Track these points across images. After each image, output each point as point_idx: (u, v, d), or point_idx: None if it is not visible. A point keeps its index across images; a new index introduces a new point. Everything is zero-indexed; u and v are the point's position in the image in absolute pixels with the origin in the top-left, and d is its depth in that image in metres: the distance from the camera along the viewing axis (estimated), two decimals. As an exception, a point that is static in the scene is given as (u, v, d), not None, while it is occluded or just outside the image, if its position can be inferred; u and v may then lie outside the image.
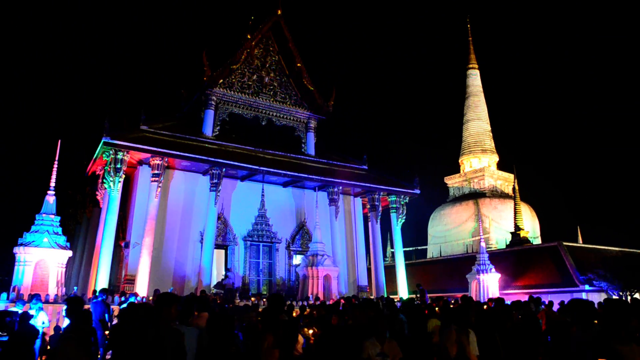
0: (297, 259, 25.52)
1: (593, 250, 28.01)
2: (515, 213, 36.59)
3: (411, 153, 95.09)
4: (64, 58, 78.07)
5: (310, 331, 10.32)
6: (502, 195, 48.18)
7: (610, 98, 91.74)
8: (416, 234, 50.22)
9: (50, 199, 16.26)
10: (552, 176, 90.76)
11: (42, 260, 15.52)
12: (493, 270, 25.70)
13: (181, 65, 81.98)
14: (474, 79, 53.89)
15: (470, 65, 54.50)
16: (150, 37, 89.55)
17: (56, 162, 16.54)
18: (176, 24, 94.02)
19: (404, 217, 27.71)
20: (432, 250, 48.70)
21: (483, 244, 27.17)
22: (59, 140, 16.92)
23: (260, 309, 11.95)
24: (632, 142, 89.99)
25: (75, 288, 16.76)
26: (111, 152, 20.06)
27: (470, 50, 54.93)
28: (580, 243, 35.01)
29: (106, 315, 11.38)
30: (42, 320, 11.04)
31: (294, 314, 13.22)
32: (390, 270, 28.24)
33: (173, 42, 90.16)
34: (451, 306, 14.39)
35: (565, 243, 27.71)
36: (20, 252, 15.21)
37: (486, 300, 21.57)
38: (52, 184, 16.36)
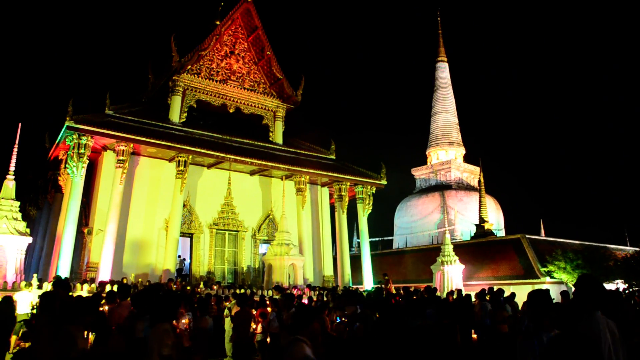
0: (263, 248, 25.45)
1: (555, 243, 28.59)
2: (480, 205, 37.10)
3: (379, 144, 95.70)
4: (26, 38, 75.91)
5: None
6: (468, 188, 48.83)
7: (575, 94, 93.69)
8: (382, 224, 50.61)
9: (10, 183, 15.87)
10: (517, 170, 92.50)
11: (1, 246, 15.13)
12: (457, 261, 26.03)
13: (149, 49, 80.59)
14: (443, 71, 54.34)
15: (440, 58, 54.92)
16: (118, 19, 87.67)
17: (16, 146, 16.13)
18: (145, 7, 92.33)
19: (371, 208, 27.84)
20: (398, 241, 49.14)
21: (448, 236, 27.48)
22: (19, 124, 16.48)
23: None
24: (596, 137, 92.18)
25: (35, 275, 16.35)
26: (74, 136, 19.60)
27: (440, 43, 55.33)
28: (542, 236, 35.77)
29: None
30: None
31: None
32: (356, 261, 28.38)
33: (141, 26, 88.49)
34: (414, 297, 14.57)
35: (528, 236, 28.23)
36: (-22, 238, 14.81)
37: (450, 290, 21.88)
38: (12, 169, 15.95)
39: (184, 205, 23.10)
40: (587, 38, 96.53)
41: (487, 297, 13.21)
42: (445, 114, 52.54)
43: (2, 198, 15.60)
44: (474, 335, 11.91)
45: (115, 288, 16.23)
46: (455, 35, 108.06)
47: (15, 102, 67.90)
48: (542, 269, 25.56)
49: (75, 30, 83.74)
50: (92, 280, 17.89)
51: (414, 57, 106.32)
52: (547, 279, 25.03)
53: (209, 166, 24.66)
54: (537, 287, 24.36)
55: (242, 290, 19.07)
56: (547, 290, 5.33)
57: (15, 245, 15.31)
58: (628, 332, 6.43)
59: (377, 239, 45.53)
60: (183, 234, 23.24)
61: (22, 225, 15.65)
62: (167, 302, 5.48)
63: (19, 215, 15.84)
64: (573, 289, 19.93)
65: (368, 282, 26.29)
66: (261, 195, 26.53)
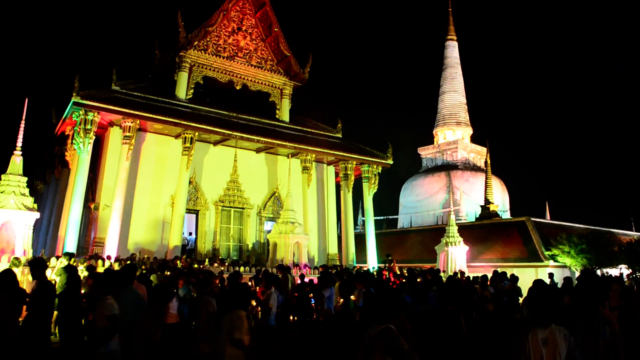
0: (268, 226, 25.56)
1: (560, 227, 28.59)
2: (486, 187, 37.04)
3: (386, 123, 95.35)
4: (33, 13, 75.51)
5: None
6: (474, 168, 48.74)
7: (584, 76, 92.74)
8: (388, 203, 50.66)
9: (17, 159, 15.90)
10: (524, 152, 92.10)
11: (8, 221, 15.23)
12: (462, 242, 26.10)
13: (155, 25, 79.89)
14: (452, 50, 53.85)
15: (449, 37, 54.38)
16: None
17: (23, 122, 16.13)
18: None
19: (376, 187, 27.83)
20: (403, 220, 49.25)
21: (453, 216, 27.53)
22: (26, 99, 16.47)
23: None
24: (604, 121, 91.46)
25: (42, 250, 16.52)
26: (81, 112, 19.58)
27: (450, 21, 54.74)
28: (547, 219, 35.75)
29: None
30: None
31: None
32: (361, 239, 28.45)
33: (148, 1, 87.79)
34: (418, 280, 14.64)
35: (533, 219, 28.23)
36: (-15, 213, 14.92)
37: (454, 272, 22.00)
38: (19, 144, 15.99)
39: (190, 182, 23.17)
40: (595, 20, 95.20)
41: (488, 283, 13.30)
42: (454, 93, 52.19)
43: (10, 174, 15.66)
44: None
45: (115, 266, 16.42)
46: (466, 13, 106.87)
47: (22, 77, 67.79)
48: (547, 253, 25.60)
49: (82, 6, 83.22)
50: (98, 256, 18.01)
51: (423, 35, 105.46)
52: (551, 262, 25.09)
53: (215, 143, 24.66)
54: (541, 270, 24.56)
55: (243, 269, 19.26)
56: (552, 285, 5.34)
57: (23, 220, 15.41)
58: (633, 323, 6.42)
59: (382, 218, 45.66)
60: (189, 211, 23.35)
61: (29, 201, 15.72)
62: (243, 291, 5.89)
63: (27, 191, 15.91)
64: (577, 273, 20.11)
65: (372, 261, 26.41)
66: (267, 172, 26.56)
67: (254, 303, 11.02)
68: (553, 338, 4.00)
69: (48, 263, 14.24)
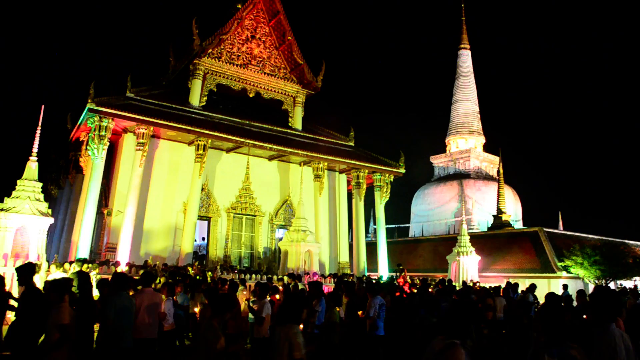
0: (280, 233, 25.58)
1: (573, 238, 28.39)
2: (498, 196, 36.89)
3: (398, 131, 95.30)
4: (50, 22, 76.39)
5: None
6: (487, 177, 48.54)
7: (598, 85, 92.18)
8: (399, 211, 50.55)
9: (33, 164, 16.03)
10: (537, 161, 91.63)
11: (23, 226, 15.36)
12: (473, 252, 25.96)
13: (170, 33, 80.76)
14: (465, 59, 53.79)
15: (462, 45, 54.34)
16: (141, 3, 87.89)
17: (39, 128, 16.28)
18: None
19: (388, 196, 27.77)
20: (415, 229, 49.11)
21: (465, 226, 27.40)
22: (42, 106, 16.63)
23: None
24: (618, 131, 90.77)
25: (56, 256, 16.65)
26: (96, 118, 19.77)
27: (463, 30, 54.73)
28: (560, 229, 35.50)
29: None
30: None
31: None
32: (372, 248, 28.41)
33: (163, 9, 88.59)
34: (430, 289, 14.58)
35: (545, 229, 28.05)
36: (0, 218, 15.04)
37: (464, 281, 21.88)
38: (35, 150, 16.12)
39: (203, 189, 23.28)
40: (612, 27, 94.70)
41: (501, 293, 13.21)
42: (466, 102, 52.09)
43: (25, 179, 15.79)
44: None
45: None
46: (479, 22, 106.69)
47: (39, 84, 68.58)
48: (559, 264, 25.41)
49: (98, 14, 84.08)
50: (107, 262, 18.12)
51: (436, 44, 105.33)
52: (564, 273, 24.90)
53: (228, 150, 24.77)
54: (553, 281, 24.38)
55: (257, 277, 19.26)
56: (565, 297, 5.31)
57: (37, 225, 15.51)
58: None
59: (393, 226, 45.59)
60: (201, 217, 23.45)
61: (44, 206, 15.84)
62: (296, 303, 5.47)
63: (41, 196, 16.03)
64: (590, 284, 19.93)
65: (383, 270, 26.35)
66: (279, 180, 26.61)
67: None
68: (568, 357, 3.95)
69: (62, 269, 14.39)
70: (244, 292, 13.40)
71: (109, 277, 9.19)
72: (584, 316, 7.62)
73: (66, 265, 15.17)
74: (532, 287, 15.52)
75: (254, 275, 19.62)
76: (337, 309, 9.50)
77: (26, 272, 7.62)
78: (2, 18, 68.38)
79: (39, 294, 7.49)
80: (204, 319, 8.98)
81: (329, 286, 17.58)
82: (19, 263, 14.40)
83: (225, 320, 6.02)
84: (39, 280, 12.14)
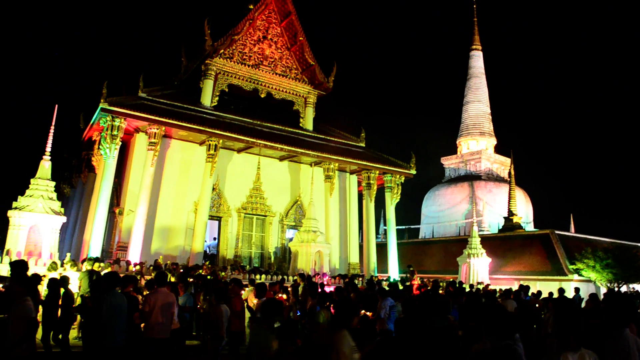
0: (290, 233, 25.62)
1: (584, 240, 28.20)
2: (509, 198, 36.72)
3: (409, 132, 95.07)
4: (63, 22, 76.92)
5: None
6: (498, 179, 48.31)
7: (610, 87, 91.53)
8: (410, 212, 50.42)
9: (46, 163, 16.21)
10: (549, 163, 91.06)
11: (36, 225, 15.52)
12: (484, 254, 25.89)
13: (182, 33, 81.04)
14: (477, 60, 53.57)
15: (474, 46, 54.12)
16: (153, 3, 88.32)
17: (52, 127, 16.45)
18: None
19: (399, 197, 27.72)
20: (425, 230, 48.98)
21: (475, 228, 27.32)
22: (56, 106, 16.80)
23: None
24: (632, 133, 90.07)
25: (68, 254, 16.75)
26: (108, 118, 19.90)
27: (475, 31, 54.47)
28: (572, 232, 35.28)
29: None
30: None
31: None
32: (382, 249, 28.38)
33: (175, 9, 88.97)
34: (440, 291, 14.55)
35: (557, 232, 27.88)
36: (14, 216, 15.21)
37: (471, 284, 21.82)
38: (48, 149, 16.29)
39: (213, 189, 23.36)
40: (623, 28, 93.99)
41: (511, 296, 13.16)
42: (478, 103, 51.87)
43: (39, 178, 15.96)
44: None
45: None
46: (491, 23, 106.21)
47: (52, 84, 69.11)
48: (571, 267, 25.25)
49: (110, 14, 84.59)
50: (118, 261, 18.23)
51: (448, 45, 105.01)
52: (575, 276, 24.74)
53: (239, 151, 24.83)
54: (565, 284, 24.21)
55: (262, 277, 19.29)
56: (577, 302, 5.29)
57: (50, 224, 15.68)
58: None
59: (403, 227, 45.46)
60: (212, 217, 23.53)
61: (57, 205, 16.00)
62: (348, 309, 5.35)
63: (54, 195, 16.20)
64: (602, 288, 19.81)
65: (393, 271, 26.31)
66: (290, 181, 26.65)
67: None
68: None
69: (76, 267, 14.49)
70: (253, 292, 13.42)
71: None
72: (595, 320, 7.56)
73: (85, 263, 15.18)
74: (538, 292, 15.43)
75: (263, 276, 19.66)
76: (370, 313, 9.24)
77: (19, 268, 7.73)
78: (17, 19, 69.00)
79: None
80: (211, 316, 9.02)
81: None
82: (32, 261, 14.58)
83: (273, 325, 6.02)
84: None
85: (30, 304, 6.00)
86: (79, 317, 10.80)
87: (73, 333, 11.18)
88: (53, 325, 9.68)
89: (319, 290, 11.47)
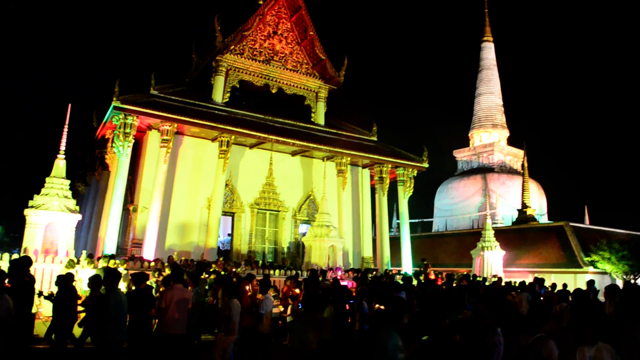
0: (303, 228, 25.65)
1: (599, 232, 27.96)
2: (523, 190, 36.51)
3: (421, 125, 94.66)
4: (76, 21, 77.44)
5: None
6: (511, 171, 48.06)
7: (623, 77, 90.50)
8: (423, 205, 50.29)
9: (61, 162, 16.36)
10: (563, 154, 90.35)
11: (52, 223, 15.68)
12: (498, 247, 25.77)
13: (193, 30, 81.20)
14: (488, 52, 53.23)
15: (485, 38, 53.78)
16: (162, 1, 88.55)
17: (66, 126, 16.58)
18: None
19: (412, 191, 27.62)
20: (438, 223, 48.86)
21: (489, 220, 27.20)
22: (70, 105, 16.93)
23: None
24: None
25: (84, 252, 16.92)
26: (121, 116, 20.04)
27: (486, 22, 54.13)
28: (587, 224, 34.97)
29: None
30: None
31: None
32: (396, 242, 28.33)
33: (185, 6, 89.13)
34: (454, 284, 14.52)
35: (571, 224, 27.68)
36: (31, 215, 15.38)
37: (484, 277, 21.75)
38: (63, 148, 16.44)
39: (226, 185, 23.44)
40: (635, 21, 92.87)
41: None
42: (490, 95, 51.57)
43: (54, 176, 16.12)
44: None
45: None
46: (502, 14, 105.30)
47: (66, 83, 69.67)
48: (586, 259, 25.06)
49: (122, 12, 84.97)
50: (133, 258, 18.36)
51: (459, 37, 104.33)
52: (590, 268, 24.56)
53: (251, 146, 24.89)
54: (579, 276, 24.10)
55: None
56: (593, 295, 5.25)
57: (65, 222, 15.83)
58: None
59: (416, 220, 45.38)
60: (225, 213, 23.61)
61: (72, 203, 16.15)
62: (397, 308, 5.27)
63: (69, 193, 16.35)
64: (617, 280, 19.65)
65: (407, 265, 26.28)
66: (302, 175, 26.66)
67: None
68: (601, 356, 3.91)
69: (93, 265, 14.63)
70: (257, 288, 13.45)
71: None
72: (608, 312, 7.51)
73: (100, 260, 15.28)
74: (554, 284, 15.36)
75: (277, 271, 19.71)
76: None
77: (18, 265, 7.80)
78: (30, 19, 69.51)
79: (29, 287, 7.75)
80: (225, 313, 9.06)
81: (351, 282, 17.54)
82: (49, 259, 14.74)
83: (316, 320, 6.04)
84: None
85: (2, 301, 5.96)
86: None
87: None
88: (62, 322, 9.72)
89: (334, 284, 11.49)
